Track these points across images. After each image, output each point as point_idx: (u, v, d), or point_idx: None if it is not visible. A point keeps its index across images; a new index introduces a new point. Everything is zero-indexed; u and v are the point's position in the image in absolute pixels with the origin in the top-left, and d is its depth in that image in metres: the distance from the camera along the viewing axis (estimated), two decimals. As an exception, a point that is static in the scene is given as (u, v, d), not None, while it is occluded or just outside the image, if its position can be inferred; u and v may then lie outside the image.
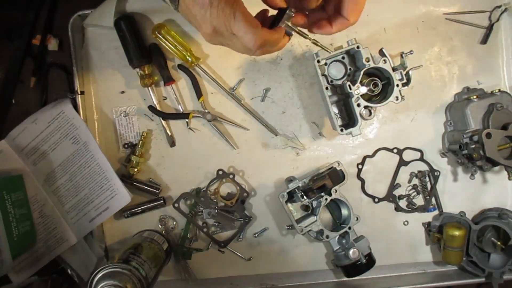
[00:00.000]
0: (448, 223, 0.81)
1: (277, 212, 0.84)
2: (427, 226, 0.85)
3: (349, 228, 0.79)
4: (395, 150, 0.84)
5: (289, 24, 0.59)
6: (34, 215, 0.80)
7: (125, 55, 0.79)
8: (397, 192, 0.85)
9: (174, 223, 0.84)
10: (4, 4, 0.83)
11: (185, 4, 0.55)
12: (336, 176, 0.78)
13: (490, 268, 0.80)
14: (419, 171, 0.84)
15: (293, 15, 0.59)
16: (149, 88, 0.81)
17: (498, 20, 0.82)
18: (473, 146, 0.75)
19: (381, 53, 0.78)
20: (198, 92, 0.81)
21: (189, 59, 0.79)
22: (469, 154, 0.76)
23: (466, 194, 0.85)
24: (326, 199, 0.78)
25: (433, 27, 0.83)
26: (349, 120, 0.79)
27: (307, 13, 0.62)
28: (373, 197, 0.84)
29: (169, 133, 0.83)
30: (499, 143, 0.75)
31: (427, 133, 0.84)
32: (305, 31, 0.61)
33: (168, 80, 0.81)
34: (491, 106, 0.77)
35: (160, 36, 0.78)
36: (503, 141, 0.76)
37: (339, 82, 0.75)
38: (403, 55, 0.76)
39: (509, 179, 0.78)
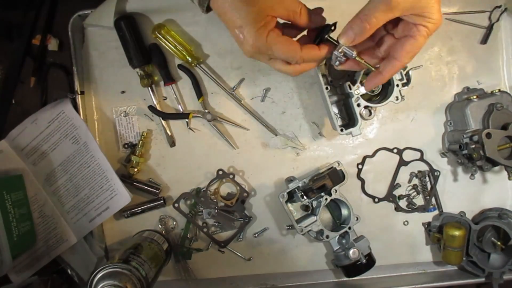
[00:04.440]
0: (448, 223, 0.81)
1: (277, 212, 0.84)
2: (427, 226, 0.85)
3: (349, 228, 0.79)
4: (395, 150, 0.84)
5: (331, 38, 0.59)
6: (34, 215, 0.80)
7: (125, 55, 0.79)
8: (397, 192, 0.85)
9: (174, 223, 0.84)
10: (4, 4, 0.83)
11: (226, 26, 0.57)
12: (336, 176, 0.78)
13: (490, 268, 0.80)
14: (419, 171, 0.84)
15: (334, 29, 0.59)
16: (149, 88, 0.81)
17: (498, 20, 0.82)
18: (473, 146, 0.75)
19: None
20: (198, 92, 0.81)
21: (189, 59, 0.79)
22: (469, 154, 0.76)
23: (466, 194, 0.85)
24: (326, 199, 0.78)
25: (433, 27, 0.83)
26: (349, 120, 0.79)
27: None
28: (373, 197, 0.84)
29: (169, 133, 0.83)
30: (499, 143, 0.75)
31: (427, 133, 0.84)
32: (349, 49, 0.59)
33: (168, 80, 0.81)
34: (491, 106, 0.77)
35: (160, 36, 0.78)
36: (503, 141, 0.76)
37: (339, 82, 0.75)
38: (403, 55, 0.76)
39: (509, 179, 0.78)
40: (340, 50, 0.58)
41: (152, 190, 0.82)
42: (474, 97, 0.79)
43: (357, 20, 0.55)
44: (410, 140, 0.84)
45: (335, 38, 0.59)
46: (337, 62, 0.60)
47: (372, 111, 0.80)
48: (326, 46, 0.60)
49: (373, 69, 0.60)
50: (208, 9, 0.59)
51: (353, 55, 0.58)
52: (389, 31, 0.59)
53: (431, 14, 0.53)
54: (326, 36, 0.59)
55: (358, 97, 0.74)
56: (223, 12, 0.56)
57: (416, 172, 0.85)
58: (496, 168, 0.79)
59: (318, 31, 0.60)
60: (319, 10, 0.61)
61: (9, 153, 0.80)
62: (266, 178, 0.84)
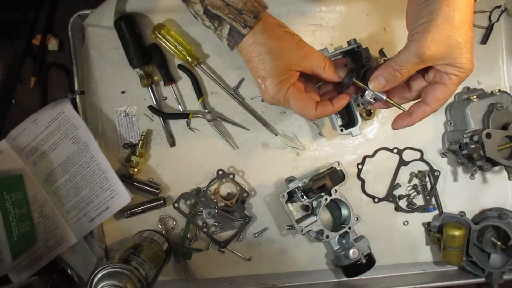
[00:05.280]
0: (448, 223, 0.81)
1: (277, 212, 0.84)
2: (427, 226, 0.85)
3: (349, 228, 0.79)
4: (395, 150, 0.84)
5: (358, 83, 0.60)
6: (34, 215, 0.80)
7: (125, 55, 0.79)
8: (397, 192, 0.85)
9: (174, 223, 0.84)
10: (4, 4, 0.83)
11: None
12: (336, 176, 0.78)
13: (490, 268, 0.80)
14: (419, 171, 0.84)
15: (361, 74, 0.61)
16: (149, 88, 0.81)
17: (498, 20, 0.82)
18: (473, 146, 0.75)
19: (381, 53, 0.78)
20: (198, 92, 0.81)
21: (189, 59, 0.79)
22: (469, 154, 0.76)
23: (466, 194, 0.85)
24: (326, 199, 0.78)
25: (433, 27, 0.83)
26: (349, 120, 0.79)
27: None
28: (373, 197, 0.84)
29: (169, 133, 0.83)
30: (499, 143, 0.75)
31: (427, 133, 0.84)
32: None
33: (168, 80, 0.81)
34: (491, 106, 0.77)
35: (160, 36, 0.78)
36: (503, 141, 0.76)
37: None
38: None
39: (509, 179, 0.78)
40: (371, 95, 0.59)
41: (152, 190, 0.82)
42: (474, 97, 0.79)
43: (389, 68, 0.56)
44: (410, 140, 0.84)
45: (362, 83, 0.60)
46: (367, 104, 0.61)
47: (372, 111, 0.80)
48: (341, 101, 0.62)
49: (403, 109, 0.61)
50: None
51: (384, 98, 0.59)
52: (419, 72, 0.60)
53: (463, 64, 0.54)
54: (354, 79, 0.60)
55: (357, 97, 0.74)
56: (249, 59, 0.58)
57: (416, 172, 0.85)
58: (496, 168, 0.79)
59: (345, 77, 0.61)
60: (342, 61, 0.64)
61: (9, 153, 0.80)
62: (266, 178, 0.84)
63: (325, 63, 0.59)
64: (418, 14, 0.53)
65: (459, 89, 0.83)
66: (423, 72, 0.59)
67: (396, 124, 0.63)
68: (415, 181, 0.85)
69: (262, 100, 0.83)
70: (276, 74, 0.57)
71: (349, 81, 0.60)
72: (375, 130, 0.84)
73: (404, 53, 0.54)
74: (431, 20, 0.52)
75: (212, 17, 0.57)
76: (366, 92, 0.59)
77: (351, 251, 0.76)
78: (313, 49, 0.60)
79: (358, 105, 0.75)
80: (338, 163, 0.79)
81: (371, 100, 0.60)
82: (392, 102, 0.60)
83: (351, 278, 0.81)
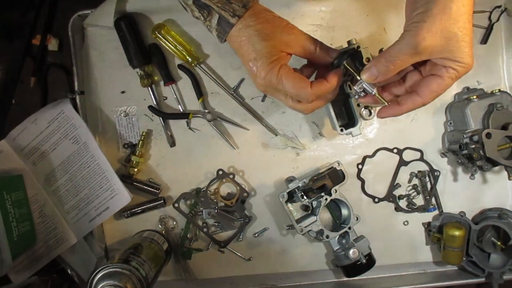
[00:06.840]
0: (448, 223, 0.81)
1: (277, 212, 0.84)
2: (427, 226, 0.85)
3: (349, 228, 0.79)
4: (395, 150, 0.84)
5: (348, 66, 0.58)
6: (34, 215, 0.80)
7: (125, 55, 0.79)
8: (397, 192, 0.85)
9: (174, 223, 0.84)
10: (4, 4, 0.83)
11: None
12: (336, 176, 0.78)
13: (490, 268, 0.80)
14: (419, 171, 0.84)
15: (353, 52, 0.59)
16: (149, 88, 0.81)
17: (498, 20, 0.82)
18: (473, 146, 0.75)
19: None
20: (198, 92, 0.81)
21: (189, 59, 0.79)
22: (469, 154, 0.76)
23: (466, 194, 0.85)
24: (326, 199, 0.78)
25: (433, 27, 0.83)
26: (349, 120, 0.79)
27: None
28: (373, 197, 0.84)
29: (169, 133, 0.83)
30: (499, 143, 0.75)
31: (427, 133, 0.84)
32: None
33: (168, 80, 0.81)
34: (491, 106, 0.77)
35: (160, 36, 0.78)
36: (503, 141, 0.76)
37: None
38: (403, 55, 0.76)
39: (509, 179, 0.78)
40: (360, 86, 0.57)
41: (152, 190, 0.82)
42: (474, 97, 0.79)
43: (382, 59, 0.54)
44: (410, 140, 0.84)
45: (354, 68, 0.58)
46: (357, 96, 0.59)
47: (372, 111, 0.80)
48: (335, 76, 0.59)
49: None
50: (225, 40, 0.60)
51: (373, 92, 0.57)
52: (417, 68, 0.58)
53: (462, 58, 0.52)
54: (346, 64, 0.58)
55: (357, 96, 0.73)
56: (239, 45, 0.58)
57: (416, 172, 0.85)
58: (496, 168, 0.79)
59: (336, 58, 0.59)
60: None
61: (9, 153, 0.80)
62: (266, 178, 0.84)
63: (317, 44, 0.59)
64: (415, 4, 0.52)
65: (459, 89, 0.83)
66: (420, 67, 0.57)
67: (382, 112, 0.61)
68: (415, 181, 0.85)
69: (262, 100, 0.83)
70: (267, 54, 0.56)
71: (340, 62, 0.58)
72: (375, 130, 0.84)
73: (399, 43, 0.53)
74: (427, 10, 0.50)
75: (202, 6, 0.58)
76: (357, 83, 0.57)
77: (351, 251, 0.76)
78: (302, 32, 0.59)
79: (358, 105, 0.75)
80: (338, 163, 0.79)
81: (360, 91, 0.58)
82: (381, 98, 0.58)
83: (351, 278, 0.81)
